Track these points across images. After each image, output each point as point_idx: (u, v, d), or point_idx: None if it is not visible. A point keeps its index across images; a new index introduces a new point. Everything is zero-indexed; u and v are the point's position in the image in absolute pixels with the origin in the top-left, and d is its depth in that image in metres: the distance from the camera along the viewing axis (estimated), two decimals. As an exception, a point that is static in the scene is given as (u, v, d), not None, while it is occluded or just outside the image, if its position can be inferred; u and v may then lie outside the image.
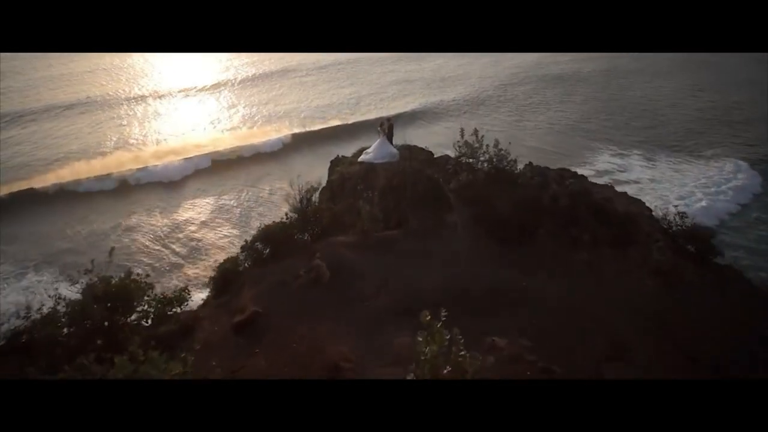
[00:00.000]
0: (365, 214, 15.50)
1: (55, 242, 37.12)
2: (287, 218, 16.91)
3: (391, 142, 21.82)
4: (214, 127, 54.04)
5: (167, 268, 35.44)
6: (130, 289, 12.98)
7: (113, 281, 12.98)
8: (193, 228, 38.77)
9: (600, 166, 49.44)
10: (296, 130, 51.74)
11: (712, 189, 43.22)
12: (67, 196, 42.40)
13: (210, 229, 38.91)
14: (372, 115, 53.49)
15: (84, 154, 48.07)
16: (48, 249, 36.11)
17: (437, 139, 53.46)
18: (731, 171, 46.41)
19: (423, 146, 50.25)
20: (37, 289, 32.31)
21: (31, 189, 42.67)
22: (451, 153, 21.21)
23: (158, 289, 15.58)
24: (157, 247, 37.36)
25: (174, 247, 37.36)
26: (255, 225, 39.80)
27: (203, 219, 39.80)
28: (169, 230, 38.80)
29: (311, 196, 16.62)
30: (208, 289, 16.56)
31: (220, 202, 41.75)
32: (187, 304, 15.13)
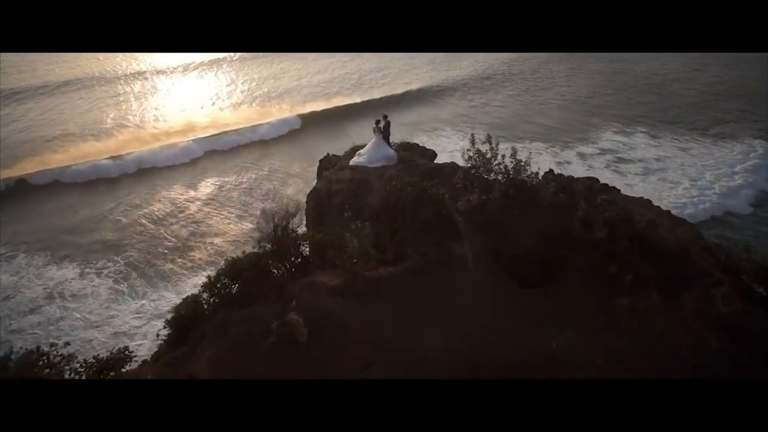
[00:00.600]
0: (353, 250, 11.36)
1: (51, 224, 34.00)
2: (260, 247, 12.75)
3: (389, 142, 17.52)
4: (213, 104, 49.30)
5: (165, 251, 31.84)
6: (31, 371, 8.90)
7: (9, 364, 8.94)
8: (192, 211, 35.55)
9: (604, 144, 45.13)
10: (298, 111, 46.83)
11: (727, 170, 38.46)
12: (66, 176, 38.86)
13: (211, 214, 35.39)
14: (376, 94, 48.57)
15: (83, 133, 44.10)
16: (43, 231, 33.22)
17: (443, 116, 48.93)
18: (742, 151, 41.64)
19: (426, 131, 45.95)
20: (26, 273, 29.71)
21: (29, 170, 39.15)
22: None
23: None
24: (155, 230, 33.97)
25: (173, 228, 33.83)
26: (258, 205, 36.64)
27: (203, 202, 36.47)
28: (167, 214, 35.29)
29: (287, 222, 12.44)
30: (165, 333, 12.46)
31: (221, 186, 38.33)
32: (129, 364, 11.17)
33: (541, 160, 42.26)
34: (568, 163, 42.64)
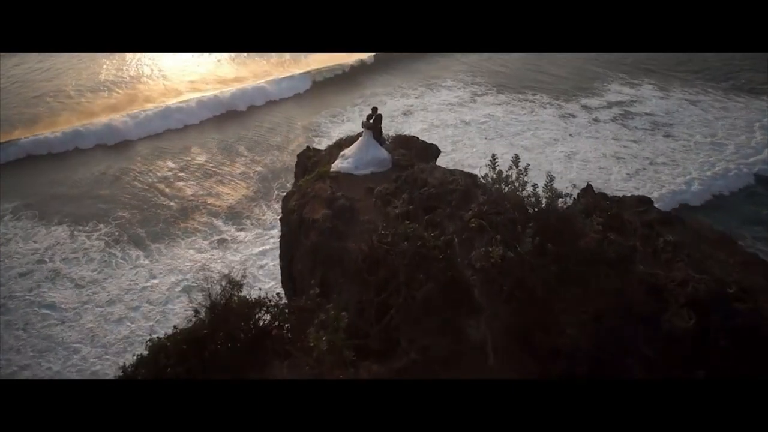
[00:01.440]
0: (321, 353, 6.83)
1: (43, 185, 30.05)
2: (196, 321, 8.22)
3: (380, 139, 12.50)
4: (210, 55, 43.21)
5: (159, 212, 27.97)
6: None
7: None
8: (189, 173, 31.07)
9: (611, 97, 39.42)
10: (303, 64, 40.71)
11: (746, 127, 32.76)
12: (60, 139, 33.74)
13: (209, 172, 30.99)
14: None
15: (78, 89, 38.45)
16: (34, 192, 29.34)
17: (444, 63, 42.07)
18: (760, 107, 35.57)
19: (426, 80, 39.83)
20: (14, 234, 26.44)
21: (21, 130, 33.96)
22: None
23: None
24: (149, 191, 29.72)
25: (169, 189, 29.72)
26: (260, 160, 32.03)
27: (201, 163, 31.79)
28: (162, 176, 30.84)
29: (230, 294, 7.83)
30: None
31: (221, 141, 33.68)
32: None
33: (546, 114, 37.21)
34: (573, 116, 37.62)
